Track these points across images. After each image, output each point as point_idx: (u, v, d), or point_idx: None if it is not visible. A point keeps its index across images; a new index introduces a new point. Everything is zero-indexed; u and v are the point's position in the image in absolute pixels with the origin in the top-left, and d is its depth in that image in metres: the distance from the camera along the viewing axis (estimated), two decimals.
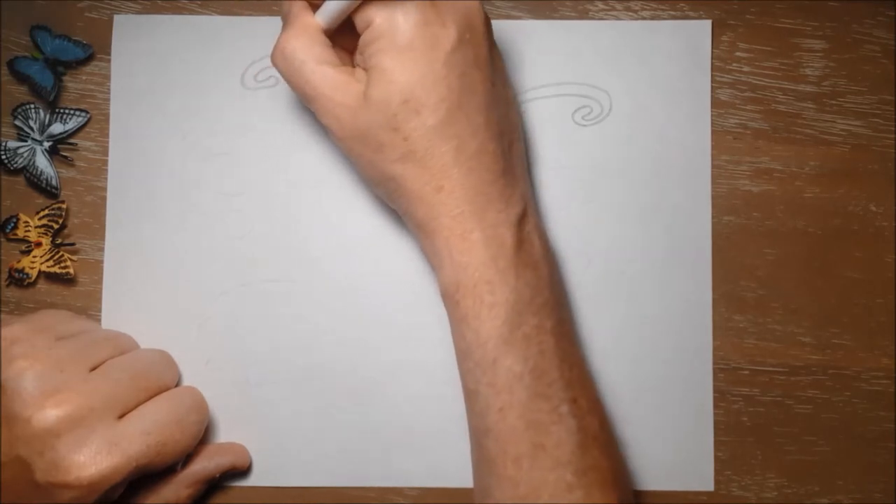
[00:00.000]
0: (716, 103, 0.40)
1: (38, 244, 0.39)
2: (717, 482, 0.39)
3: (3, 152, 0.39)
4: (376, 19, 0.32)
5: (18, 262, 0.39)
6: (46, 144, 0.40)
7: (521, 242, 0.33)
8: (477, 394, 0.33)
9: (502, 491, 0.32)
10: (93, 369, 0.35)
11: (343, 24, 0.34)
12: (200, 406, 0.37)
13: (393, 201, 0.35)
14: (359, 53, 0.33)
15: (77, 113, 0.40)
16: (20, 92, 0.40)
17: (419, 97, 0.32)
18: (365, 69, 0.33)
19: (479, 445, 0.34)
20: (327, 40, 0.34)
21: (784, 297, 0.40)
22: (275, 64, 0.34)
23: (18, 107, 0.40)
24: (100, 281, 0.40)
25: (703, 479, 0.39)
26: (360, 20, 0.33)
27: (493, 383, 0.32)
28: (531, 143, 0.40)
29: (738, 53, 0.40)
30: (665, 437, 0.39)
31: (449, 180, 0.33)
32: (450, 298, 0.33)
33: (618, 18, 0.40)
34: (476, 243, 0.33)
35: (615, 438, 0.35)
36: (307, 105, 0.35)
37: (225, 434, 0.39)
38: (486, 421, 0.33)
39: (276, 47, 0.34)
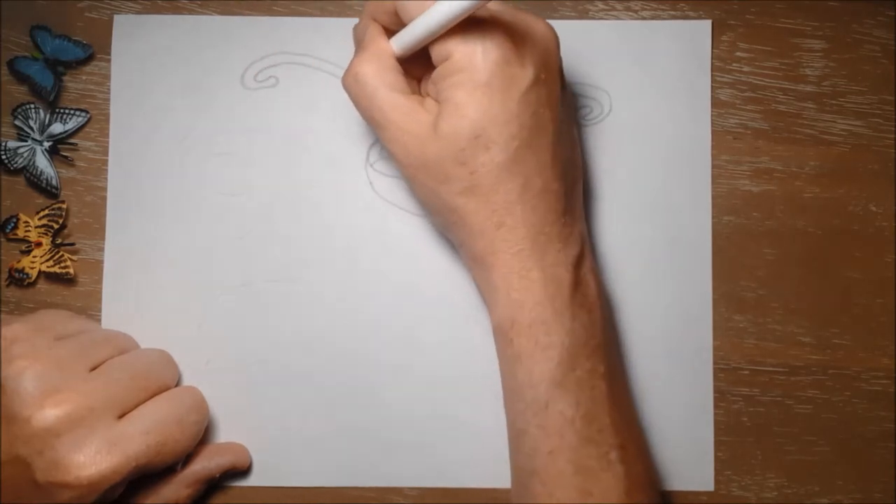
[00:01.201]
0: (716, 103, 0.40)
1: (38, 244, 0.39)
2: (717, 482, 0.39)
3: (3, 152, 0.39)
4: (456, 54, 0.32)
5: (18, 262, 0.39)
6: (46, 144, 0.40)
7: (577, 283, 0.33)
8: (525, 434, 0.33)
9: None
10: (93, 369, 0.35)
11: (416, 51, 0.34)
12: (200, 406, 0.37)
13: (451, 232, 0.35)
14: (431, 83, 0.33)
15: (77, 113, 0.40)
16: (20, 92, 0.40)
17: (490, 134, 0.32)
18: (437, 100, 0.33)
19: (524, 485, 0.34)
20: (400, 67, 0.34)
21: (784, 297, 0.40)
22: (346, 87, 0.34)
23: (18, 107, 0.40)
24: (100, 281, 0.40)
25: (703, 479, 0.39)
26: (437, 52, 0.32)
27: (543, 426, 0.32)
28: None
29: (738, 53, 0.40)
30: (665, 437, 0.39)
31: (511, 217, 0.33)
32: (503, 335, 0.33)
33: (618, 18, 0.40)
34: (534, 282, 0.33)
35: (659, 479, 0.36)
36: (373, 129, 0.34)
37: (225, 434, 0.39)
38: (534, 463, 0.33)
39: (348, 70, 0.34)
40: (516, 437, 0.34)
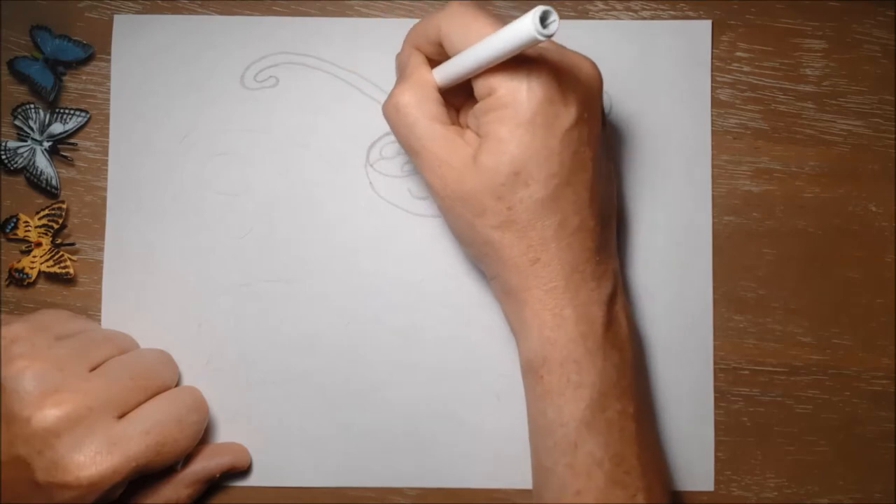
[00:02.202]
0: (716, 103, 0.40)
1: (38, 244, 0.39)
2: (717, 482, 0.39)
3: (3, 152, 0.39)
4: (500, 89, 0.31)
5: (18, 262, 0.39)
6: (46, 144, 0.40)
7: (610, 322, 0.33)
8: (553, 473, 0.33)
9: None
10: (93, 369, 0.35)
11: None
12: (200, 406, 0.37)
13: (484, 264, 0.35)
14: (472, 116, 0.33)
15: (77, 113, 0.40)
16: (20, 92, 0.40)
17: (530, 171, 0.32)
18: (477, 133, 0.33)
19: None
20: (441, 98, 0.34)
21: (784, 297, 0.40)
22: (387, 115, 0.34)
23: (18, 107, 0.40)
24: (100, 281, 0.40)
25: (703, 479, 0.39)
26: (481, 86, 0.32)
27: (572, 465, 0.32)
28: None
29: (738, 53, 0.40)
30: (665, 437, 0.39)
31: (546, 253, 0.32)
32: (533, 372, 0.33)
33: (618, 18, 0.40)
34: (567, 320, 0.33)
35: None
36: (411, 158, 0.34)
37: (225, 434, 0.39)
38: (561, 501, 0.33)
39: (390, 99, 0.34)
40: (543, 474, 0.34)
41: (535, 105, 0.31)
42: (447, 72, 0.33)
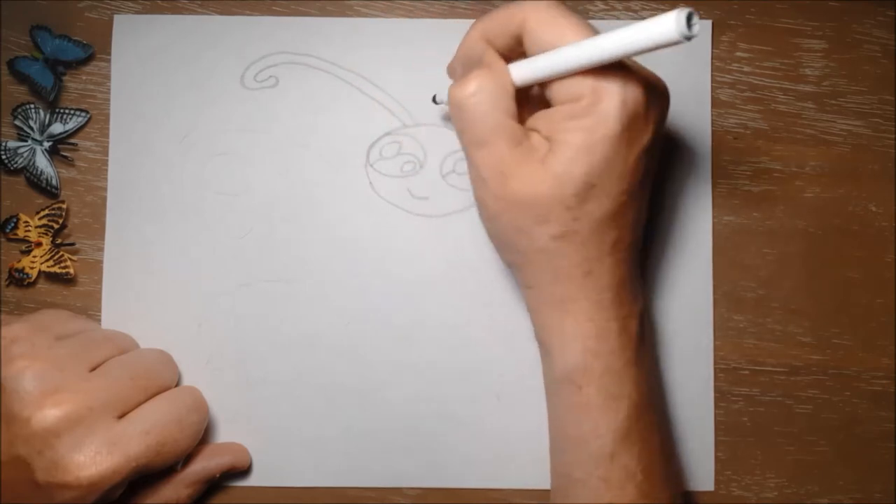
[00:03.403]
0: (716, 103, 0.40)
1: (38, 244, 0.39)
2: (717, 482, 0.39)
3: (3, 152, 0.39)
4: (589, 97, 0.30)
5: (18, 262, 0.39)
6: (46, 144, 0.40)
7: (643, 335, 0.33)
8: (585, 485, 0.33)
9: None
10: (93, 369, 0.35)
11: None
12: (200, 406, 0.37)
13: (525, 271, 0.33)
14: (544, 119, 0.31)
15: (77, 113, 0.40)
16: (20, 92, 0.40)
17: (605, 185, 0.31)
18: (549, 138, 0.31)
19: None
20: (515, 94, 0.32)
21: (784, 297, 0.40)
22: (456, 101, 0.32)
23: (18, 107, 0.40)
24: (100, 281, 0.40)
25: (703, 479, 0.39)
26: (563, 91, 0.30)
27: (606, 478, 0.32)
28: None
29: (738, 53, 0.40)
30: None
31: (600, 266, 0.32)
32: (571, 383, 0.33)
33: (618, 18, 0.40)
34: (611, 332, 0.32)
35: None
36: (469, 151, 0.32)
37: (225, 434, 0.39)
38: None
39: (463, 85, 0.31)
40: (571, 486, 0.33)
41: (626, 119, 0.30)
42: (534, 68, 0.31)
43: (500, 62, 0.32)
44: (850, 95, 0.40)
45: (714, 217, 0.40)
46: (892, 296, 0.40)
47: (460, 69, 0.35)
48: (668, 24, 0.26)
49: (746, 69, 0.40)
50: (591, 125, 0.30)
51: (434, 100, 0.39)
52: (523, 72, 0.32)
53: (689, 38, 0.26)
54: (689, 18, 0.26)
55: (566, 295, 0.32)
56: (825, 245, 0.40)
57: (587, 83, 0.30)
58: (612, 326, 0.32)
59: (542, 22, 0.31)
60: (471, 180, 0.33)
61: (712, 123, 0.40)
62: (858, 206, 0.40)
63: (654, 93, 0.31)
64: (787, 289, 0.40)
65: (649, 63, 0.40)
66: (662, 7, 0.40)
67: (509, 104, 0.32)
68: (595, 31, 0.30)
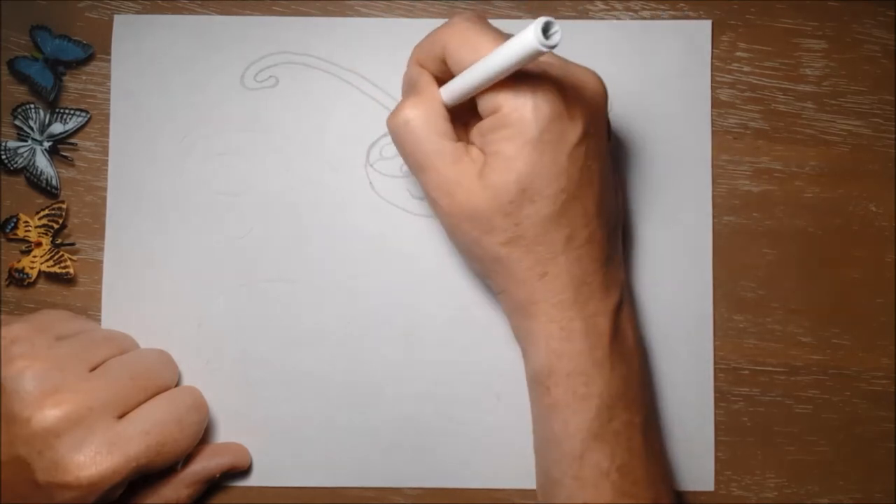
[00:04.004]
0: (716, 103, 0.40)
1: (38, 244, 0.39)
2: (717, 482, 0.39)
3: (3, 152, 0.39)
4: (505, 107, 0.31)
5: (18, 262, 0.39)
6: (46, 144, 0.40)
7: (616, 333, 0.33)
8: (561, 484, 0.33)
9: None
10: (93, 369, 0.35)
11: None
12: (200, 406, 0.37)
13: (491, 279, 0.35)
14: (478, 134, 0.33)
15: (77, 113, 0.40)
16: (20, 92, 0.40)
17: (538, 187, 0.31)
18: (482, 150, 0.32)
19: None
20: (448, 115, 0.33)
21: (784, 297, 0.40)
22: (393, 130, 0.33)
23: (18, 107, 0.40)
24: (100, 281, 0.40)
25: (703, 479, 0.39)
26: (486, 104, 0.32)
27: (579, 477, 0.32)
28: None
29: (738, 53, 0.40)
30: (665, 437, 0.39)
31: (555, 267, 0.32)
32: (539, 384, 0.33)
33: (618, 18, 0.40)
34: (575, 332, 0.33)
35: None
36: (415, 174, 0.34)
37: (225, 434, 0.39)
38: None
39: (397, 113, 0.33)
40: (550, 486, 0.34)
41: (542, 122, 0.31)
42: (453, 89, 0.33)
43: (432, 86, 0.33)
44: (850, 95, 0.40)
45: (714, 217, 0.40)
46: (892, 296, 0.40)
47: (403, 96, 0.35)
48: (528, 37, 0.27)
49: (746, 69, 0.40)
50: (511, 134, 0.31)
51: None
52: (449, 93, 0.33)
53: (551, 48, 0.27)
54: (545, 28, 0.27)
55: (527, 298, 0.33)
56: (825, 245, 0.40)
57: (502, 95, 0.31)
58: (576, 326, 0.32)
59: (459, 41, 0.32)
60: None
61: (712, 123, 0.40)
62: (858, 206, 0.40)
63: (577, 89, 0.32)
64: (787, 289, 0.40)
65: (649, 62, 0.40)
66: (662, 7, 0.40)
67: (443, 125, 0.33)
68: (505, 40, 0.30)
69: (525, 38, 0.27)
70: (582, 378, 0.32)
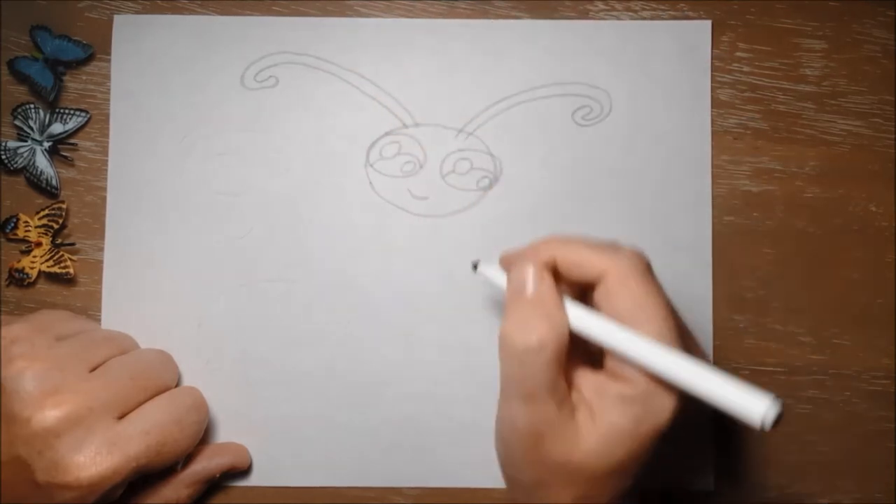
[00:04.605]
0: (716, 103, 0.40)
1: (38, 244, 0.39)
2: (717, 482, 0.39)
3: (3, 152, 0.39)
4: (641, 386, 0.29)
5: (18, 262, 0.39)
6: (46, 144, 0.40)
7: None
8: None
9: None
10: (93, 369, 0.35)
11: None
12: (200, 406, 0.37)
13: (514, 496, 0.33)
14: (594, 387, 0.30)
15: (77, 113, 0.40)
16: (20, 92, 0.40)
17: (634, 467, 0.30)
18: (590, 403, 0.30)
19: None
20: (568, 347, 0.30)
21: (784, 297, 0.40)
22: (514, 346, 0.30)
23: (18, 107, 0.40)
24: (100, 281, 0.40)
25: (703, 479, 0.39)
26: (620, 371, 0.29)
27: None
28: (531, 143, 0.40)
29: (738, 53, 0.40)
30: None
31: None
32: None
33: (618, 18, 0.40)
34: None
35: None
36: (513, 400, 0.31)
37: (225, 434, 0.39)
38: None
39: (527, 333, 0.30)
40: None
41: (664, 425, 0.29)
42: (595, 332, 0.30)
43: (563, 315, 0.30)
44: (850, 95, 0.40)
45: (714, 217, 0.40)
46: (892, 296, 0.40)
47: (514, 298, 0.32)
48: (754, 412, 0.26)
49: (746, 69, 0.40)
50: (641, 415, 0.29)
51: (474, 267, 0.36)
52: (585, 327, 0.30)
53: (763, 430, 0.27)
54: (777, 419, 0.26)
55: None
56: (825, 245, 0.40)
57: (648, 379, 0.29)
58: None
59: (622, 287, 0.30)
60: (498, 422, 0.32)
61: (712, 123, 0.40)
62: (858, 206, 0.40)
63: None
64: (787, 289, 0.40)
65: (649, 62, 0.40)
66: (662, 7, 0.40)
67: (562, 360, 0.30)
68: (672, 311, 0.29)
69: (751, 409, 0.27)
70: None
